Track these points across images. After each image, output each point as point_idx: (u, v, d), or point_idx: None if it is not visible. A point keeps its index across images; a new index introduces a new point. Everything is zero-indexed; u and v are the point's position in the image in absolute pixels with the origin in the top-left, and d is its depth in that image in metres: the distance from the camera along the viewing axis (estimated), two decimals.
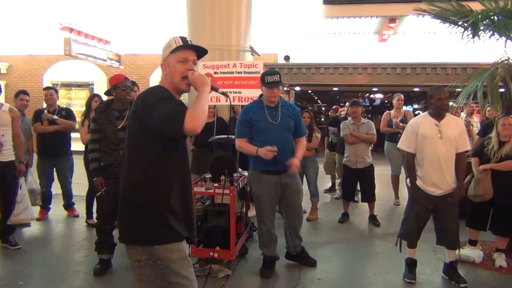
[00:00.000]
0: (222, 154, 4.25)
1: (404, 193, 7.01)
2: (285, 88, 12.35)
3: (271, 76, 3.84)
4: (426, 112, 3.98)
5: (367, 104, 24.51)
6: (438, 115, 3.80)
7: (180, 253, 2.10)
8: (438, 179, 3.75)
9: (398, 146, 4.10)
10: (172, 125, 1.96)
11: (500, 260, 4.26)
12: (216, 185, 4.07)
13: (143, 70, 15.22)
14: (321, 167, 6.49)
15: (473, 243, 4.53)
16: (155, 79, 14.95)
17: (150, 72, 15.26)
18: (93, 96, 5.77)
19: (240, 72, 5.21)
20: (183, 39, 2.18)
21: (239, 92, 5.20)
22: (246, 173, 4.61)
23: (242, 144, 3.92)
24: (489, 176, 4.22)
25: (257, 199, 3.97)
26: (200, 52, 2.23)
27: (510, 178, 4.17)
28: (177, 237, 2.11)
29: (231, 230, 3.95)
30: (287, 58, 14.18)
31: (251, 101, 4.59)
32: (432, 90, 3.89)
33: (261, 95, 4.03)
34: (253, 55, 6.42)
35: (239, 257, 4.40)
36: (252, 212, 5.91)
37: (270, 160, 3.72)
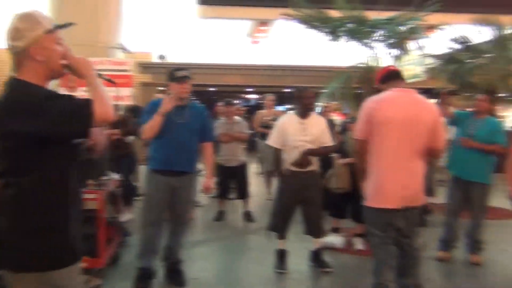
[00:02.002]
0: (89, 157, 3.98)
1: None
2: (161, 88, 12.12)
3: (180, 71, 3.65)
4: (292, 112, 4.23)
5: (247, 104, 25.26)
6: (304, 114, 4.07)
7: (77, 272, 1.85)
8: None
9: (267, 142, 4.28)
10: (80, 120, 1.68)
11: (359, 244, 4.71)
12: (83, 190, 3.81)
13: None
14: None
15: (335, 230, 4.94)
16: None
17: None
18: None
19: (108, 70, 4.96)
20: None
21: (108, 91, 4.94)
22: (117, 176, 4.41)
23: (149, 124, 3.52)
24: (347, 170, 4.64)
25: (145, 200, 3.74)
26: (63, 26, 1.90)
27: None
28: (77, 259, 1.84)
29: (100, 236, 3.74)
30: (162, 57, 13.91)
31: (121, 100, 4.39)
32: (298, 90, 4.13)
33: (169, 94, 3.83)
34: (123, 52, 6.17)
35: (111, 264, 4.19)
36: (125, 217, 5.70)
37: (165, 160, 3.56)
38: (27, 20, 1.74)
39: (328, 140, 4.13)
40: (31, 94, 1.69)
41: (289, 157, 4.03)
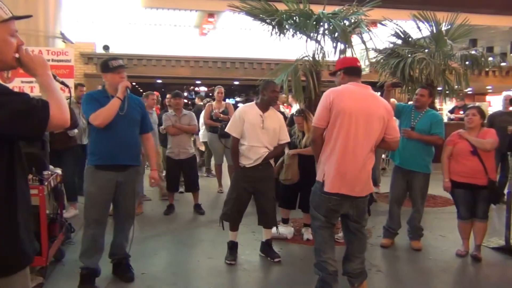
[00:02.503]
0: (30, 151, 3.79)
1: (227, 181, 7.37)
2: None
3: (115, 60, 3.51)
4: (253, 103, 4.25)
5: (192, 96, 25.02)
6: (266, 107, 4.09)
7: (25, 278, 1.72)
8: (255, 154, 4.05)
9: (226, 129, 4.23)
10: (33, 122, 1.57)
11: (307, 234, 4.82)
12: None
13: None
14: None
15: (285, 221, 5.02)
16: None
17: None
18: None
19: (48, 60, 4.73)
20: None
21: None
22: (59, 171, 4.23)
23: (102, 113, 3.36)
24: (296, 162, 4.72)
25: (87, 198, 3.52)
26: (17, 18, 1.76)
27: (313, 162, 4.72)
28: (28, 260, 1.71)
29: (42, 234, 3.57)
30: (106, 48, 13.43)
31: (63, 92, 4.19)
32: (266, 83, 4.17)
33: (103, 86, 3.69)
34: (65, 42, 5.91)
35: (55, 262, 4.03)
36: (69, 213, 5.49)
37: (108, 154, 3.43)
38: None
39: (285, 137, 4.22)
40: None
41: (245, 153, 4.05)
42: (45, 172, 3.83)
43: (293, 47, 5.67)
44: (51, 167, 4.14)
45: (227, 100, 8.45)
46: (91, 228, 3.52)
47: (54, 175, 4.01)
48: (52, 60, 4.76)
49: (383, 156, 9.74)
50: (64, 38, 5.74)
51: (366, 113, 3.00)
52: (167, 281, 3.78)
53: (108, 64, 3.52)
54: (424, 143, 4.46)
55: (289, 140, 4.31)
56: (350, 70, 3.23)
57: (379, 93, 4.17)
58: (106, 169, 3.47)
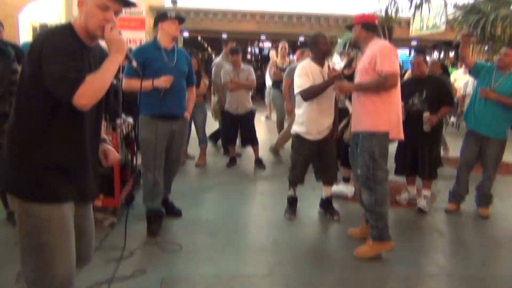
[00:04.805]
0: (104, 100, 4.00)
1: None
2: None
3: (172, 11, 3.68)
4: (308, 60, 4.06)
5: (256, 52, 24.91)
6: (321, 61, 3.96)
7: (57, 213, 1.88)
8: (322, 125, 3.97)
9: (297, 92, 3.95)
10: (61, 89, 1.71)
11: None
12: None
13: (9, 7, 13.45)
14: (209, 113, 6.51)
15: (346, 180, 4.99)
16: (24, 19, 13.37)
17: (17, 10, 13.54)
18: None
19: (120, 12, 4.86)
20: None
21: (120, 34, 4.87)
22: (130, 119, 4.44)
23: (131, 83, 3.60)
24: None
25: (146, 146, 3.72)
26: (126, 4, 1.93)
27: None
28: (55, 198, 1.88)
29: (115, 178, 3.83)
30: (174, 2, 13.59)
31: (134, 43, 4.34)
32: (316, 35, 4.00)
33: (155, 38, 3.80)
34: None
35: (126, 205, 4.31)
36: (140, 161, 5.79)
37: (161, 104, 3.60)
38: None
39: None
40: (54, 41, 1.75)
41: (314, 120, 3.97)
42: (118, 121, 4.05)
43: (364, 1, 5.41)
44: (123, 115, 4.35)
45: (291, 57, 8.31)
46: (151, 173, 3.73)
47: (126, 123, 4.22)
48: (124, 12, 4.87)
49: (452, 119, 9.28)
50: None
51: None
52: (228, 228, 3.94)
53: (166, 13, 3.67)
54: (504, 106, 4.15)
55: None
56: (369, 26, 3.41)
57: (452, 52, 3.95)
58: (162, 119, 3.66)
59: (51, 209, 1.87)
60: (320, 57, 3.96)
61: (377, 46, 3.32)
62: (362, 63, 3.42)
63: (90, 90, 1.72)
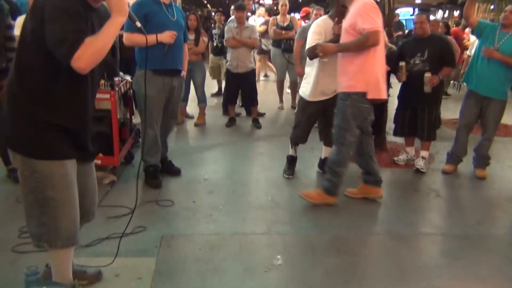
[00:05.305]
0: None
1: (287, 97, 7.36)
2: None
3: None
4: (325, 16, 3.92)
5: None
6: (339, 20, 3.74)
7: (59, 169, 1.91)
8: (326, 86, 3.84)
9: (306, 48, 3.82)
10: (60, 51, 1.68)
11: None
12: None
13: None
14: (207, 71, 6.45)
15: None
16: None
17: None
18: None
19: None
20: None
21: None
22: (128, 77, 4.38)
23: (134, 37, 3.48)
24: None
25: (148, 101, 3.64)
26: None
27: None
28: (58, 155, 1.90)
29: (114, 136, 3.82)
30: None
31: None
32: None
33: None
34: None
35: (125, 163, 4.34)
36: (138, 119, 5.77)
37: (163, 59, 3.58)
38: None
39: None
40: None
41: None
42: (116, 78, 3.99)
43: None
44: (121, 73, 4.29)
45: (292, 14, 8.09)
46: (151, 129, 3.75)
47: (124, 82, 4.17)
48: None
49: (452, 81, 9.17)
50: None
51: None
52: (227, 188, 3.97)
53: None
54: (506, 66, 4.09)
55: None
56: None
57: (457, 12, 3.84)
58: (163, 73, 3.65)
59: (54, 165, 1.89)
60: (340, 15, 3.71)
61: (358, 4, 3.27)
62: (344, 23, 3.39)
63: (88, 53, 1.69)
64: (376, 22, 3.20)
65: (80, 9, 1.77)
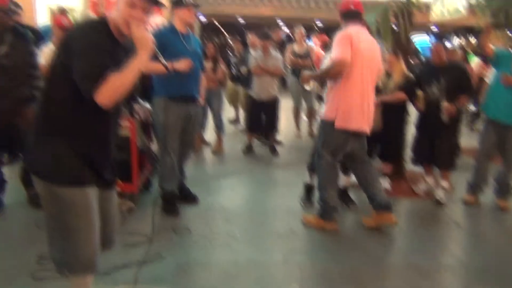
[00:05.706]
0: None
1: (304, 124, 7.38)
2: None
3: None
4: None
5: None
6: None
7: (80, 196, 1.93)
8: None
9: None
10: (84, 86, 1.74)
11: (385, 183, 4.73)
12: None
13: None
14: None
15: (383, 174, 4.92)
16: (42, 2, 13.40)
17: None
18: None
19: None
20: None
21: (147, 32, 4.84)
22: (148, 105, 4.45)
23: (152, 66, 3.59)
24: (379, 110, 4.53)
25: (165, 129, 3.75)
26: (154, 2, 1.92)
27: (395, 111, 4.51)
28: (79, 182, 1.93)
29: (133, 163, 3.87)
30: None
31: (150, 27, 4.32)
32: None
33: (170, 22, 3.81)
34: None
35: (143, 190, 4.37)
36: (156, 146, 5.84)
37: (179, 86, 3.65)
38: None
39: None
40: (88, 33, 1.81)
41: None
42: (135, 106, 4.07)
43: None
44: (140, 101, 4.37)
45: (309, 42, 8.17)
46: (169, 156, 3.79)
47: (143, 109, 4.24)
48: None
49: (472, 107, 9.07)
50: None
51: (372, 56, 3.41)
52: (244, 216, 3.96)
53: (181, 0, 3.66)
54: None
55: None
56: (343, 13, 3.47)
57: (474, 39, 3.87)
58: (180, 100, 3.72)
59: (75, 192, 1.92)
60: None
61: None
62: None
63: (110, 90, 1.73)
64: (342, 52, 3.26)
65: (108, 44, 1.83)
